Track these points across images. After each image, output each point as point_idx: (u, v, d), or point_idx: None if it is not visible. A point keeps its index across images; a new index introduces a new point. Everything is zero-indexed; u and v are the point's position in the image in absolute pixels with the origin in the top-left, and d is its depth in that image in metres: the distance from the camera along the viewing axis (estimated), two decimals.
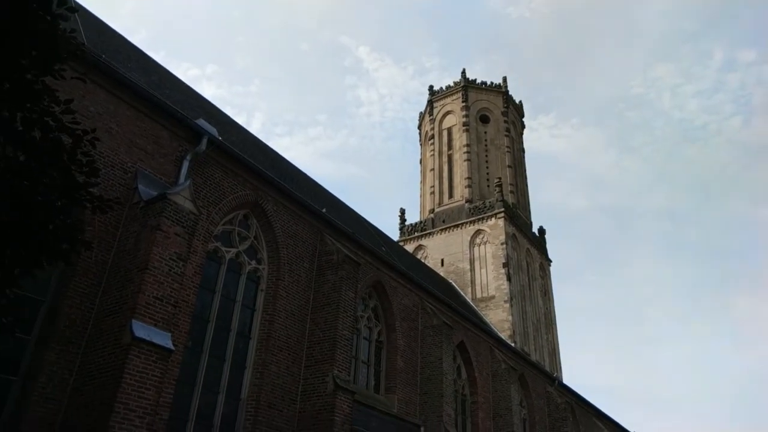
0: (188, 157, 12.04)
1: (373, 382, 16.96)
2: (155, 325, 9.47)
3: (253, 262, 13.70)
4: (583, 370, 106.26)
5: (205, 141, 12.25)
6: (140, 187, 10.84)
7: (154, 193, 10.74)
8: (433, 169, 41.28)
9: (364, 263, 16.84)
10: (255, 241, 13.87)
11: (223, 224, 13.09)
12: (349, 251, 15.54)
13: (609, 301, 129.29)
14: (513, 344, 28.63)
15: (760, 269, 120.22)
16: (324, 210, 16.01)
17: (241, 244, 13.50)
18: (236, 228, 13.46)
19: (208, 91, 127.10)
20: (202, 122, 12.86)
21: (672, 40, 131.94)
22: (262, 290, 13.71)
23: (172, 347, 9.61)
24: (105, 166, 10.47)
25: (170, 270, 10.00)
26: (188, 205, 10.71)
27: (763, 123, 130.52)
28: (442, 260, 36.28)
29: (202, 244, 12.08)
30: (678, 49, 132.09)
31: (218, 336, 12.44)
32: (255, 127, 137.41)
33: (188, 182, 11.26)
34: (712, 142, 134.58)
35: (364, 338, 17.09)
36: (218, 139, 12.80)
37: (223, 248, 13.01)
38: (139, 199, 10.65)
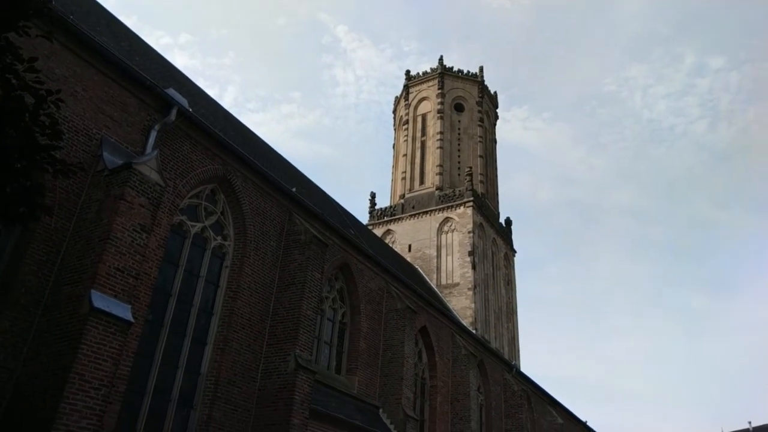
0: (156, 127, 11.74)
1: (334, 363, 17.04)
2: (115, 297, 9.29)
3: (219, 238, 13.52)
4: (540, 359, 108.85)
5: (174, 111, 11.96)
6: (105, 154, 10.55)
7: (120, 162, 10.47)
8: (405, 155, 41.30)
9: (332, 245, 16.81)
10: (221, 217, 13.68)
11: (190, 198, 12.86)
12: (317, 232, 15.48)
13: (570, 294, 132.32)
14: (474, 331, 29.09)
15: (716, 269, 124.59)
16: (294, 189, 15.87)
17: (207, 219, 13.29)
18: (203, 202, 13.24)
19: (180, 61, 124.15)
20: (172, 92, 12.54)
21: (646, 41, 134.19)
22: (226, 267, 13.56)
23: (132, 319, 9.45)
24: (69, 131, 10.14)
25: (133, 241, 9.80)
26: (154, 176, 10.48)
27: (728, 128, 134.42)
28: (410, 246, 36.51)
29: (167, 216, 11.85)
30: (651, 50, 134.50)
31: (180, 310, 12.28)
32: (227, 101, 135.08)
33: (155, 153, 11.00)
34: (678, 143, 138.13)
35: (328, 319, 17.12)
36: (188, 110, 12.51)
37: (189, 222, 12.80)
38: (103, 167, 10.37)
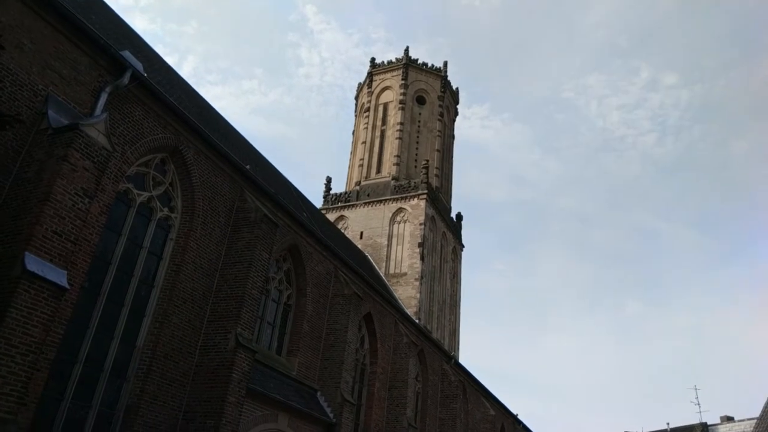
0: (107, 90, 11.29)
1: (276, 344, 16.96)
2: (50, 261, 8.96)
3: (166, 210, 13.19)
4: (480, 352, 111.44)
5: (128, 75, 11.53)
6: (50, 112, 10.09)
7: (66, 122, 10.05)
8: (364, 142, 41.24)
9: (283, 225, 16.67)
10: (170, 188, 13.34)
11: (138, 166, 12.48)
12: (268, 211, 15.31)
13: (513, 290, 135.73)
14: (417, 321, 29.49)
15: (651, 277, 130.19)
16: (248, 166, 15.62)
17: (154, 189, 12.93)
18: (151, 171, 12.87)
19: (139, 24, 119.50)
20: (127, 54, 12.08)
21: (606, 52, 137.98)
22: (171, 239, 13.25)
23: (67, 286, 9.14)
24: (12, 84, 9.66)
25: (74, 205, 9.45)
26: (102, 139, 10.12)
27: (674, 143, 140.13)
28: (362, 233, 36.58)
29: (113, 183, 11.47)
30: (610, 62, 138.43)
31: (119, 280, 11.94)
32: (186, 71, 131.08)
33: (104, 115, 10.61)
34: (627, 154, 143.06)
35: (273, 300, 17.00)
36: (143, 75, 12.10)
37: (135, 191, 12.42)
38: (47, 126, 9.92)
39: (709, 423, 47.82)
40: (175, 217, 13.42)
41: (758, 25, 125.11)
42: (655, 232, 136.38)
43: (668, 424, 51.39)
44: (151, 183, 12.86)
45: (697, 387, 63.76)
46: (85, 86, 11.06)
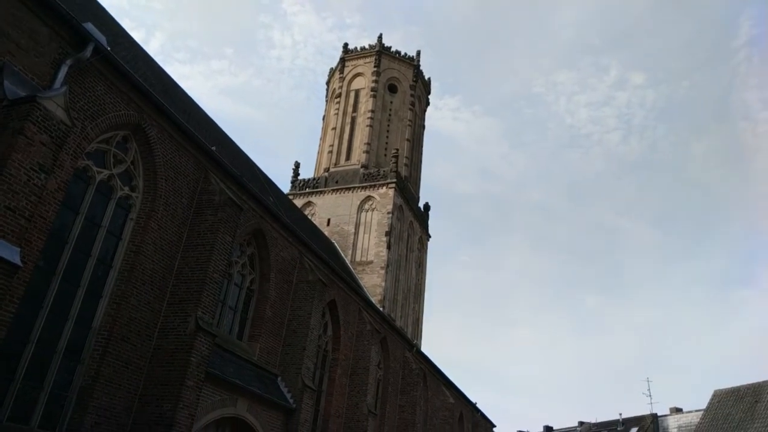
0: (68, 62, 10.89)
1: (237, 329, 16.81)
2: (3, 237, 8.66)
3: (126, 189, 12.86)
4: (442, 341, 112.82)
5: (90, 48, 11.14)
6: (6, 83, 9.69)
7: (22, 94, 9.68)
8: (334, 128, 40.97)
9: (248, 209, 16.47)
10: (131, 167, 13.00)
11: (98, 142, 12.11)
12: (233, 194, 15.09)
13: (477, 282, 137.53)
14: (381, 309, 29.63)
15: (611, 273, 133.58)
16: (214, 148, 15.35)
17: (115, 167, 12.58)
18: (112, 149, 12.51)
19: None
20: (90, 27, 11.65)
21: (577, 50, 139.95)
22: (132, 219, 12.94)
23: (20, 263, 8.85)
24: None
25: (29, 180, 9.14)
26: (60, 113, 9.79)
27: (638, 142, 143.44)
28: (329, 220, 36.45)
29: (71, 159, 11.11)
30: (580, 59, 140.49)
31: (75, 260, 11.61)
32: (153, 47, 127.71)
33: (64, 89, 10.25)
34: (593, 151, 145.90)
35: (235, 284, 16.82)
36: (106, 48, 11.70)
37: (95, 168, 12.07)
38: (2, 97, 9.53)
39: (659, 414, 49.59)
40: (136, 197, 13.10)
41: (722, 31, 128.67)
42: (615, 228, 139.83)
43: (621, 414, 53.13)
44: (112, 161, 12.51)
45: (649, 379, 66.11)
46: (44, 58, 10.65)
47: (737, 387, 36.05)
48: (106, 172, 12.33)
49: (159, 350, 12.78)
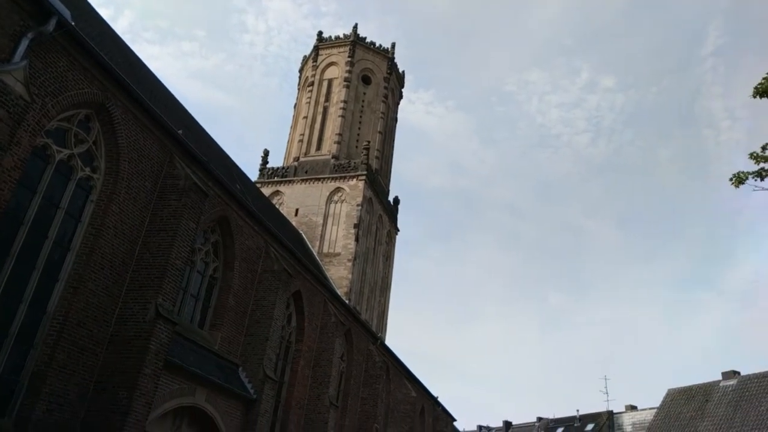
0: (29, 35, 10.42)
1: (198, 318, 16.52)
2: None
3: (87, 170, 12.45)
4: (407, 335, 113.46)
5: (53, 22, 10.69)
6: None
7: None
8: (306, 117, 40.58)
9: (213, 196, 16.17)
10: (93, 147, 12.58)
11: (59, 120, 11.67)
12: (198, 180, 14.78)
13: (444, 277, 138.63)
14: (347, 301, 29.57)
15: (575, 272, 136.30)
16: (180, 131, 14.99)
17: (76, 147, 12.16)
18: (74, 128, 12.08)
19: None
20: (54, 0, 11.22)
21: (551, 50, 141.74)
22: (92, 201, 12.54)
23: None
24: None
25: None
26: (19, 88, 9.41)
27: (606, 145, 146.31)
28: (297, 210, 36.17)
29: (29, 136, 10.67)
30: (554, 60, 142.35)
31: (31, 241, 11.19)
32: (121, 25, 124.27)
33: (24, 63, 9.85)
34: (562, 152, 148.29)
35: (198, 272, 16.51)
36: (70, 23, 11.26)
37: (55, 147, 11.64)
38: None
39: (615, 411, 50.93)
40: (97, 179, 12.70)
41: (691, 39, 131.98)
42: (581, 229, 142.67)
43: (578, 411, 54.39)
44: (73, 140, 12.09)
45: (606, 377, 67.84)
46: (3, 30, 10.18)
47: (689, 386, 37.23)
48: (66, 151, 11.91)
49: (117, 337, 12.45)
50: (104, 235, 12.46)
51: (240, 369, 17.00)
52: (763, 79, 13.63)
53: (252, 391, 16.69)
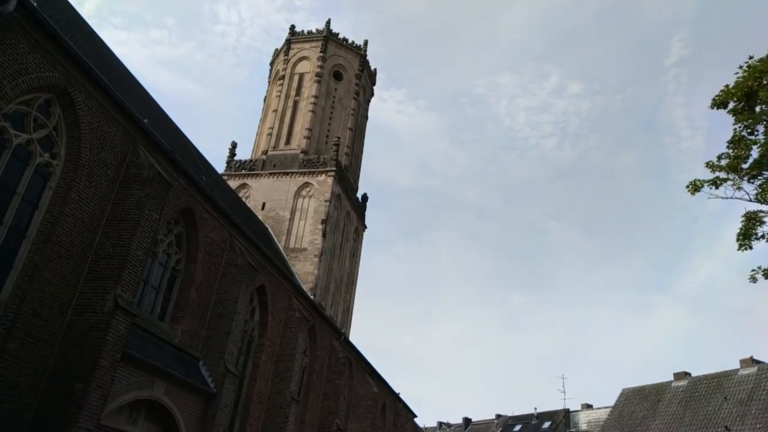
0: None
1: (159, 310, 16.26)
2: None
3: (47, 155, 12.10)
4: (371, 331, 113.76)
5: (14, 1, 10.35)
6: None
7: None
8: (276, 111, 40.24)
9: (178, 186, 15.92)
10: (53, 133, 12.24)
11: (18, 104, 11.32)
12: (162, 169, 14.52)
13: (410, 275, 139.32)
14: (312, 297, 29.49)
15: (537, 273, 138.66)
16: (146, 120, 14.70)
17: (35, 132, 11.81)
18: (33, 112, 11.73)
19: None
20: None
21: (521, 54, 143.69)
22: (50, 188, 12.20)
23: None
24: None
25: None
26: None
27: (571, 149, 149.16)
28: (264, 204, 35.85)
29: None
30: (524, 64, 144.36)
31: None
32: (87, 9, 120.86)
33: None
34: (529, 154, 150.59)
35: (160, 264, 16.24)
36: (32, 3, 10.94)
37: (12, 131, 11.28)
38: None
39: (571, 409, 52.13)
40: (57, 165, 12.36)
41: (655, 49, 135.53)
42: (544, 231, 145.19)
43: (536, 408, 55.50)
44: (32, 125, 11.74)
45: (564, 376, 69.29)
46: None
47: (643, 386, 38.37)
48: (24, 136, 11.57)
49: (73, 327, 12.15)
50: (62, 224, 12.15)
51: (201, 363, 16.79)
52: (721, 91, 14.17)
53: (212, 385, 16.51)
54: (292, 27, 43.67)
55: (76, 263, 12.49)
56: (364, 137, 45.41)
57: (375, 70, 47.02)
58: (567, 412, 51.64)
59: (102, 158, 13.21)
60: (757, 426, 27.84)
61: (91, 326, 12.11)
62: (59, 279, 12.04)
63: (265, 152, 38.44)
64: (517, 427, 55.29)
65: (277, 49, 44.84)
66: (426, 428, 66.98)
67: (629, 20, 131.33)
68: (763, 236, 13.39)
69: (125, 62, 20.68)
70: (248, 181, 36.92)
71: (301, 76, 41.68)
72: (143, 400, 14.22)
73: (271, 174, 36.92)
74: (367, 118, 46.22)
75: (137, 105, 15.56)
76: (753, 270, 13.67)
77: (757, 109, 13.57)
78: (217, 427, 16.27)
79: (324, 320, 27.37)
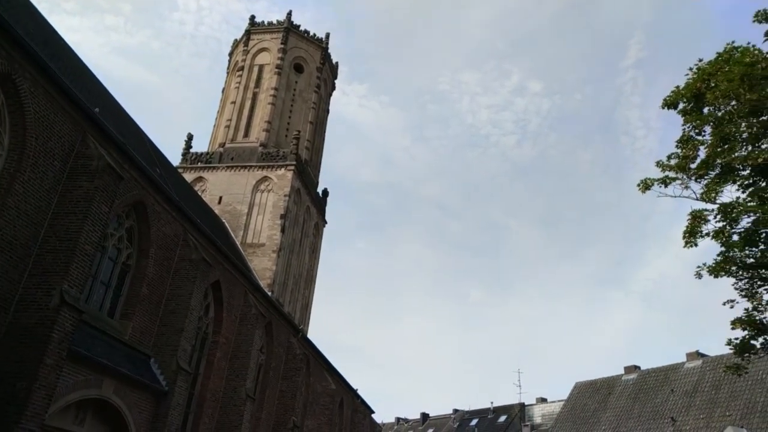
0: None
1: (108, 306, 15.74)
2: None
3: None
4: (330, 327, 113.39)
5: None
6: None
7: None
8: (234, 103, 39.51)
9: (129, 179, 15.42)
10: None
11: None
12: (113, 161, 14.03)
13: (371, 271, 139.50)
14: (270, 293, 29.13)
15: (496, 269, 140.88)
16: (97, 110, 14.17)
17: None
18: None
19: None
20: None
21: (484, 52, 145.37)
22: None
23: None
24: None
25: None
26: None
27: (531, 148, 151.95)
28: (221, 198, 35.18)
29: None
30: (486, 62, 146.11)
31: None
32: None
33: None
34: (490, 152, 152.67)
35: (110, 258, 15.71)
36: None
37: None
38: None
39: (526, 403, 53.20)
40: (0, 155, 11.79)
41: (614, 51, 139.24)
42: (504, 227, 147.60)
43: (492, 403, 56.39)
44: None
45: (520, 371, 70.63)
46: None
47: (595, 380, 39.48)
48: None
49: (16, 324, 11.62)
50: (5, 216, 11.60)
51: (152, 360, 16.35)
52: (672, 92, 14.61)
53: (164, 383, 16.10)
54: (252, 17, 42.95)
55: (20, 257, 11.95)
56: (325, 131, 45.09)
57: (337, 63, 46.72)
58: (522, 406, 52.66)
59: (49, 148, 12.67)
60: (701, 416, 29.03)
61: (35, 323, 11.61)
62: (1, 274, 11.51)
63: (222, 145, 37.71)
64: (474, 421, 56.10)
65: (236, 40, 44.03)
66: (384, 424, 67.27)
67: (588, 22, 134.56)
68: (708, 234, 13.86)
69: (77, 49, 19.91)
70: (205, 174, 36.15)
71: (261, 67, 41.04)
72: (91, 399, 13.75)
73: (228, 167, 36.26)
74: (328, 111, 45.89)
75: (88, 94, 14.99)
76: (698, 267, 14.16)
77: (705, 110, 14.03)
78: (168, 426, 15.89)
79: (281, 317, 27.08)
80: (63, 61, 15.16)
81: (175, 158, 35.38)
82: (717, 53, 13.68)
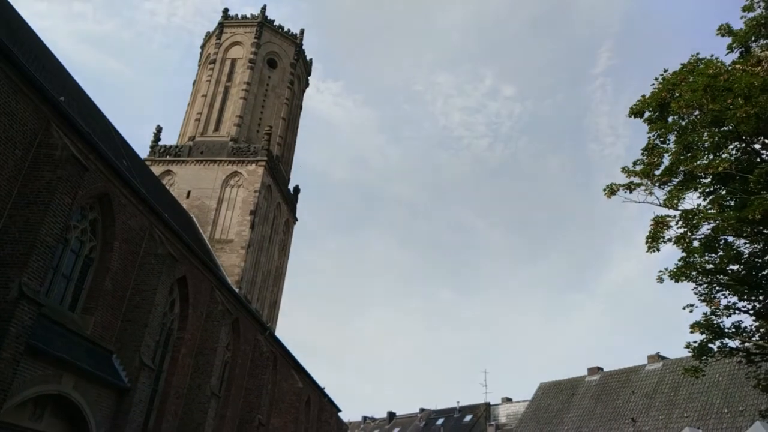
0: None
1: (70, 300, 15.35)
2: None
3: None
4: (299, 325, 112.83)
5: None
6: None
7: None
8: (205, 96, 38.95)
9: (94, 170, 15.07)
10: None
11: None
12: (77, 151, 13.69)
13: (340, 269, 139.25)
14: (238, 290, 28.82)
15: (464, 270, 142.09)
16: (62, 99, 13.80)
17: None
18: None
19: None
20: None
21: (458, 54, 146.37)
22: None
23: None
24: None
25: None
26: None
27: (502, 150, 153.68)
28: (189, 192, 34.65)
29: None
30: (460, 64, 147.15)
31: None
32: None
33: None
34: (461, 154, 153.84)
35: (72, 251, 15.32)
36: None
37: None
38: None
39: (492, 403, 53.80)
40: None
41: (584, 58, 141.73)
42: (473, 229, 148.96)
43: (458, 402, 56.86)
44: None
45: (486, 371, 71.47)
46: None
47: (559, 381, 40.13)
48: None
49: None
50: None
51: (114, 356, 16.01)
52: (638, 101, 14.98)
53: (126, 379, 15.77)
54: (226, 10, 42.40)
55: None
56: (297, 128, 44.78)
57: (311, 60, 46.48)
58: (488, 406, 53.23)
59: (10, 136, 12.29)
60: (660, 417, 29.78)
61: None
62: None
63: (192, 138, 37.13)
64: (440, 421, 56.46)
65: (209, 32, 43.40)
66: (350, 423, 67.21)
67: (560, 28, 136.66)
68: (670, 240, 14.24)
69: (44, 36, 19.35)
70: (173, 167, 35.54)
71: (234, 61, 40.55)
72: (49, 395, 13.40)
73: (197, 161, 35.72)
74: (301, 108, 45.59)
75: (53, 82, 14.59)
76: (660, 271, 14.54)
77: (670, 119, 14.42)
78: (130, 423, 15.58)
79: (249, 314, 26.82)
80: (27, 47, 14.72)
81: (143, 151, 34.75)
82: (681, 64, 14.09)
